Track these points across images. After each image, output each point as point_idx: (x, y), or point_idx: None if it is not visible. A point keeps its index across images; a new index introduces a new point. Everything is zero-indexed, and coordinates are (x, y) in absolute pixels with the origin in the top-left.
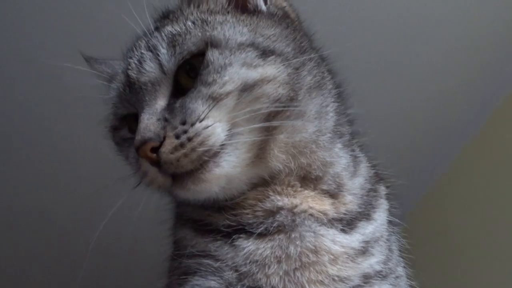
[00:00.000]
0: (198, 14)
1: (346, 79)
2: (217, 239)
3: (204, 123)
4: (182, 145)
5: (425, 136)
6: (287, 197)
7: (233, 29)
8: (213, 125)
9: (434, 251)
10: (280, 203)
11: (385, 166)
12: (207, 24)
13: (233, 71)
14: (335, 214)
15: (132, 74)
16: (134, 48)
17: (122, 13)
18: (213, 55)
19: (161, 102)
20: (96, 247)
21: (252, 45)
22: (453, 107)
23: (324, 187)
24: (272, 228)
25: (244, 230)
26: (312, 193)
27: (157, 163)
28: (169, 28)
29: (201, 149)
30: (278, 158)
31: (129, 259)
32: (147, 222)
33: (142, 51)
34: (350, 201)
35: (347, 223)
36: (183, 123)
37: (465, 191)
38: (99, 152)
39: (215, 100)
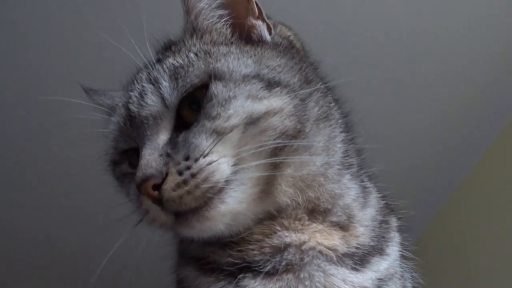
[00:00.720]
0: (201, 45)
1: (352, 106)
2: (220, 279)
3: (208, 158)
4: (185, 182)
5: (429, 160)
6: (295, 232)
7: (237, 61)
8: (218, 160)
9: (444, 275)
10: (288, 240)
11: (395, 196)
12: (210, 56)
13: (238, 104)
14: (346, 249)
15: (133, 107)
16: (135, 81)
17: (122, 45)
18: (216, 88)
19: (163, 137)
20: (98, 277)
21: (257, 76)
22: (460, 128)
23: (334, 219)
24: (280, 267)
25: (249, 269)
26: (320, 227)
27: (159, 200)
28: (171, 60)
29: (205, 185)
30: (285, 193)
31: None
32: (150, 255)
33: (143, 84)
34: (362, 233)
35: (359, 259)
36: (186, 158)
37: (473, 215)
38: (104, 177)
39: (219, 134)
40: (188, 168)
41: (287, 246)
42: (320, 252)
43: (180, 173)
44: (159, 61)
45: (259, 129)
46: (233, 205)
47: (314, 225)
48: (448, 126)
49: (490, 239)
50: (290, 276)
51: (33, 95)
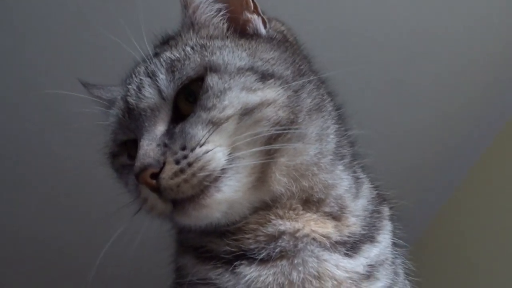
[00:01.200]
0: (197, 39)
1: (347, 101)
2: (217, 266)
3: (204, 147)
4: (182, 171)
5: (429, 160)
6: (289, 221)
7: (232, 54)
8: (214, 149)
9: (444, 275)
10: (282, 228)
11: (388, 186)
12: (206, 49)
13: (233, 95)
14: (339, 237)
15: (131, 100)
16: (133, 74)
17: (121, 40)
18: (212, 80)
19: (160, 128)
20: (98, 272)
21: (251, 69)
22: (460, 127)
23: (327, 209)
24: (274, 253)
25: (245, 256)
26: (314, 216)
27: (157, 189)
28: (168, 53)
29: (202, 174)
30: (279, 182)
31: (131, 284)
32: (149, 248)
33: (141, 77)
34: (354, 223)
35: (351, 247)
36: (183, 148)
37: (473, 215)
38: (103, 175)
39: (215, 124)
40: (185, 157)
41: (282, 233)
42: (313, 239)
43: (177, 162)
44: (156, 55)
45: (254, 120)
46: (229, 193)
47: (308, 214)
48: (448, 126)
49: (490, 239)
50: (284, 262)
51: (33, 95)
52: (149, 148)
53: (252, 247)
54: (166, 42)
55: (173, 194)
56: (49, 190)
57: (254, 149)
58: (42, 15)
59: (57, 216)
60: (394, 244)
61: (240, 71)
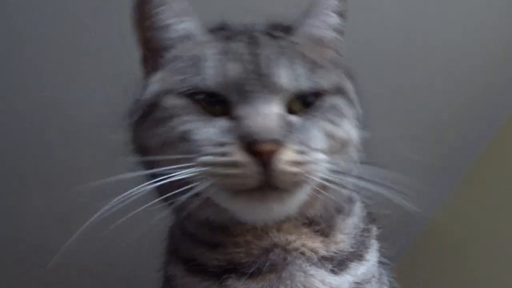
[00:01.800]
0: (334, 56)
1: None
2: (205, 279)
3: (322, 155)
4: (298, 163)
5: (429, 160)
6: (284, 233)
7: (350, 86)
8: (326, 161)
9: (445, 275)
10: (276, 239)
11: (377, 206)
12: (339, 71)
13: (347, 123)
14: (325, 253)
15: (265, 70)
16: (257, 42)
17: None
18: (339, 101)
19: (278, 109)
20: (91, 274)
21: (354, 106)
22: (460, 127)
23: (317, 227)
24: (264, 267)
25: (235, 270)
26: (305, 230)
27: (266, 165)
28: (306, 51)
29: (308, 176)
30: (315, 208)
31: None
32: (148, 251)
33: (275, 55)
34: (342, 240)
35: (338, 264)
36: (305, 144)
37: (473, 215)
38: (103, 176)
39: (330, 138)
40: (305, 153)
41: (274, 246)
42: (302, 253)
43: (299, 153)
44: (278, 38)
45: (343, 152)
46: (298, 202)
47: (301, 228)
48: (448, 126)
49: (490, 239)
50: (272, 276)
51: (33, 95)
52: (272, 120)
53: (243, 261)
54: (288, 30)
55: (277, 179)
56: (49, 190)
57: (329, 176)
58: (42, 15)
59: (56, 217)
60: (380, 263)
61: (354, 105)
